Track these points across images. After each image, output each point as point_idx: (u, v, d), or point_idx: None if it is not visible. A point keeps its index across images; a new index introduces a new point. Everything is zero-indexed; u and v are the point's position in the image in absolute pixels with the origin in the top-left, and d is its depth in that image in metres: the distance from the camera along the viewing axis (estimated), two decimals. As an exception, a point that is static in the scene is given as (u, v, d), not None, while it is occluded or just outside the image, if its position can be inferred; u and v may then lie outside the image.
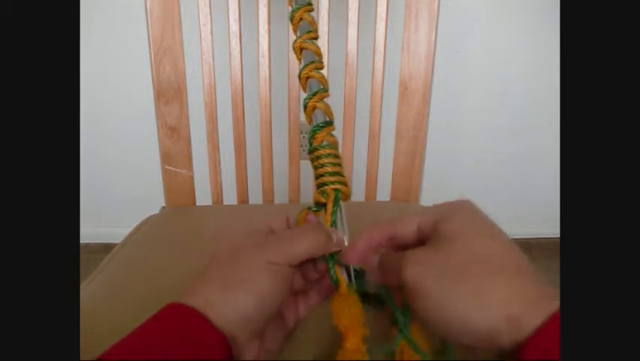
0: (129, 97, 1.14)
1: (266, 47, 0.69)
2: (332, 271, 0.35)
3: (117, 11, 1.07)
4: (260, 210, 0.72)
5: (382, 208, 0.72)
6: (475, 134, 1.20)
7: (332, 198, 0.37)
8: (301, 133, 0.87)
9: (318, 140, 0.39)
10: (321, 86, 0.40)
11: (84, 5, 1.00)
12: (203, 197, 0.74)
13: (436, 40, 0.68)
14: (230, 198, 0.75)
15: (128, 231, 0.65)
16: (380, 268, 0.33)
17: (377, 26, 0.69)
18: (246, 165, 0.73)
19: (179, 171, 0.72)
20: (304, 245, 0.33)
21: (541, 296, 0.26)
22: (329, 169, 0.38)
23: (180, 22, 0.67)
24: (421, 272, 0.28)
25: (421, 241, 0.32)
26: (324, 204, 0.37)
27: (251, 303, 0.30)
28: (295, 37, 0.42)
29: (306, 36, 0.41)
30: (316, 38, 0.42)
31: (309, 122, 0.40)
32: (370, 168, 0.73)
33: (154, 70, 0.68)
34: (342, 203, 0.38)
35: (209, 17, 0.68)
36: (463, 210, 0.32)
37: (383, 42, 0.69)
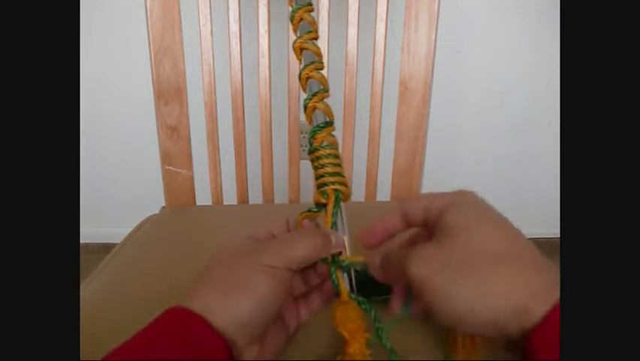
0: (129, 97, 1.14)
1: (266, 47, 0.69)
2: (333, 276, 0.35)
3: (117, 11, 1.07)
4: (260, 210, 0.72)
5: (382, 208, 0.72)
6: (475, 134, 1.20)
7: (332, 198, 0.37)
8: (301, 133, 0.87)
9: (318, 140, 0.39)
10: (322, 87, 0.40)
11: (84, 5, 1.00)
12: (203, 197, 0.74)
13: (436, 40, 0.68)
14: (230, 198, 0.75)
15: (128, 231, 0.65)
16: (382, 267, 0.34)
17: (377, 26, 0.69)
18: (246, 165, 0.73)
19: (179, 171, 0.72)
20: (302, 249, 0.33)
21: (546, 284, 0.26)
22: (329, 169, 0.38)
23: (180, 22, 0.67)
24: (426, 268, 0.29)
25: (427, 223, 0.33)
26: (325, 205, 0.37)
27: (251, 308, 0.31)
28: (295, 38, 0.42)
29: (306, 36, 0.41)
30: (316, 38, 0.42)
31: (310, 123, 0.40)
32: (370, 168, 0.73)
33: (154, 70, 0.68)
34: (342, 203, 0.38)
35: (209, 17, 0.68)
36: (466, 201, 0.32)
37: (383, 42, 0.69)
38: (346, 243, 0.36)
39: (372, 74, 0.70)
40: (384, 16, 0.68)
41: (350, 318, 0.33)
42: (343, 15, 0.69)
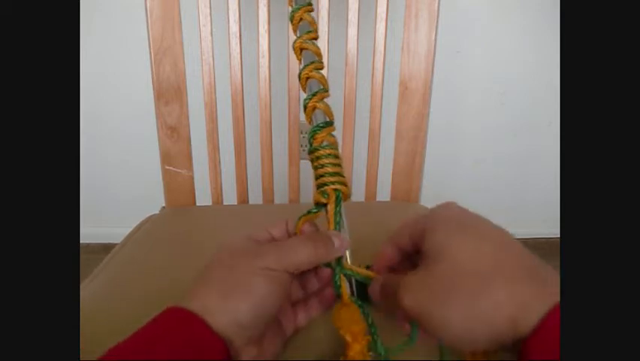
0: (129, 97, 1.14)
1: (266, 47, 0.69)
2: (337, 277, 0.35)
3: (117, 11, 1.07)
4: (260, 210, 0.72)
5: (382, 208, 0.72)
6: (475, 134, 1.20)
7: (333, 198, 0.37)
8: (301, 133, 0.87)
9: (318, 140, 0.39)
10: (321, 87, 0.40)
11: (84, 5, 1.00)
12: (203, 197, 0.74)
13: (436, 40, 0.68)
14: (230, 198, 0.75)
15: (128, 231, 0.65)
16: (382, 295, 0.34)
17: (377, 26, 0.69)
18: (246, 165, 0.73)
19: (179, 171, 0.72)
20: (304, 254, 0.33)
21: (538, 292, 0.27)
22: (329, 169, 0.38)
23: (180, 22, 0.67)
24: (416, 297, 0.29)
25: (417, 248, 0.33)
26: (325, 205, 0.37)
27: (249, 310, 0.31)
28: (295, 38, 0.42)
29: (306, 36, 0.41)
30: (316, 38, 0.42)
31: (309, 123, 0.40)
32: (370, 168, 0.73)
33: (154, 70, 0.68)
34: (342, 203, 0.38)
35: (209, 18, 0.68)
36: (447, 216, 0.32)
37: (383, 42, 0.69)
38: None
39: (372, 74, 0.70)
40: (384, 16, 0.68)
41: (352, 320, 0.33)
42: (343, 15, 0.69)
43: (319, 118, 0.40)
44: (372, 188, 0.74)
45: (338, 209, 0.37)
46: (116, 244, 0.61)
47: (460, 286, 0.28)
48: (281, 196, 0.79)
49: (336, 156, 0.38)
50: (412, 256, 0.35)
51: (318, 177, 0.38)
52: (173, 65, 0.68)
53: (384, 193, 0.75)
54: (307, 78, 0.41)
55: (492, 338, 0.27)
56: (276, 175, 0.74)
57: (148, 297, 0.46)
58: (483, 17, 1.07)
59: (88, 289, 0.51)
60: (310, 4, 0.43)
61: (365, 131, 0.72)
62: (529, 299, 0.26)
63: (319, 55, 0.41)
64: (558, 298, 0.25)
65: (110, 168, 1.25)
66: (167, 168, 0.71)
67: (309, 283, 0.37)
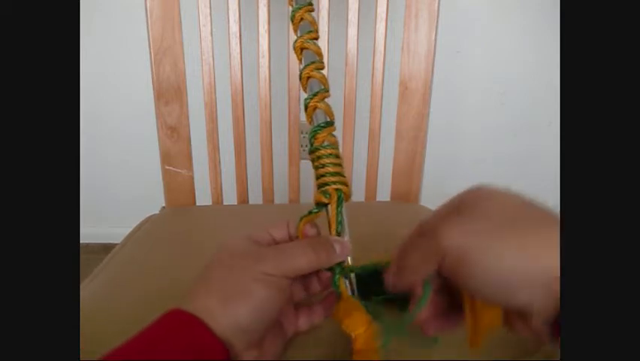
0: (129, 97, 1.14)
1: (266, 47, 0.69)
2: (336, 277, 0.35)
3: (117, 11, 1.07)
4: (260, 210, 0.72)
5: (382, 208, 0.72)
6: (475, 134, 1.20)
7: (335, 198, 0.37)
8: (301, 133, 0.87)
9: (319, 140, 0.39)
10: (322, 87, 0.40)
11: (84, 5, 1.00)
12: (203, 197, 0.74)
13: (436, 40, 0.68)
14: (230, 198, 0.75)
15: (128, 231, 0.65)
16: (399, 267, 0.32)
17: (377, 26, 0.69)
18: (246, 165, 0.73)
19: (179, 171, 0.72)
20: (304, 261, 0.33)
21: None
22: (330, 169, 0.38)
23: (180, 22, 0.67)
24: (462, 235, 0.27)
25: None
26: (326, 205, 0.37)
27: (249, 314, 0.31)
28: (296, 37, 0.42)
29: (307, 36, 0.41)
30: (317, 38, 0.42)
31: (310, 123, 0.40)
32: (370, 168, 0.73)
33: (154, 70, 0.68)
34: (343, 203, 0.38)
35: (209, 18, 0.68)
36: (475, 188, 0.31)
37: (383, 42, 0.69)
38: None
39: (372, 74, 0.70)
40: (384, 16, 0.68)
41: (353, 312, 0.33)
42: (343, 15, 0.69)
43: (320, 118, 0.40)
44: (372, 188, 0.74)
45: (340, 209, 0.37)
46: (116, 244, 0.61)
47: (513, 225, 0.27)
48: (281, 196, 0.79)
49: (337, 156, 0.38)
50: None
51: (319, 176, 0.38)
52: (173, 65, 0.68)
53: (384, 193, 0.75)
54: (308, 78, 0.41)
55: (531, 293, 0.25)
56: (276, 175, 0.74)
57: (148, 297, 0.46)
58: (483, 17, 1.07)
59: (88, 289, 0.51)
60: (311, 4, 0.43)
61: (365, 131, 0.72)
62: None
63: (320, 55, 0.41)
64: None
65: (110, 168, 1.25)
66: (167, 168, 0.71)
67: (312, 285, 0.37)
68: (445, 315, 0.32)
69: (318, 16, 0.68)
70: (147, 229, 0.64)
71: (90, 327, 0.41)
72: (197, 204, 0.73)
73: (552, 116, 1.17)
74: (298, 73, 0.41)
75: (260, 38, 0.69)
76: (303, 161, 0.71)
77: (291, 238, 0.37)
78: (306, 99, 0.40)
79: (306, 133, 0.40)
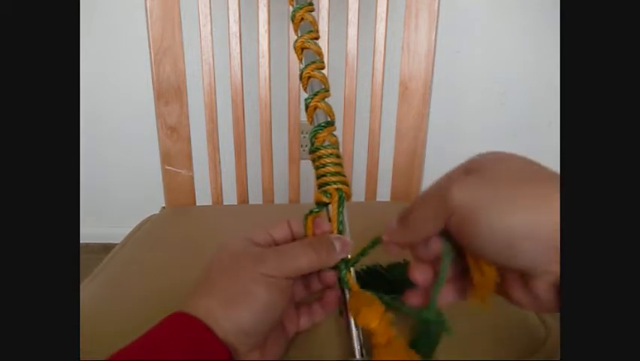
0: (129, 97, 1.14)
1: (266, 47, 0.69)
2: (343, 273, 0.35)
3: (117, 11, 1.07)
4: (260, 210, 0.72)
5: (382, 208, 0.72)
6: (475, 134, 1.20)
7: (336, 198, 0.37)
8: (301, 133, 0.87)
9: (319, 140, 0.39)
10: (323, 86, 0.40)
11: (84, 5, 1.00)
12: (203, 197, 0.74)
13: (436, 40, 0.68)
14: (230, 198, 0.75)
15: (128, 231, 0.65)
16: (402, 223, 0.31)
17: (377, 26, 0.69)
18: (246, 165, 0.73)
19: (179, 171, 0.72)
20: (305, 261, 0.33)
21: None
22: (331, 169, 0.38)
23: (180, 22, 0.67)
24: (470, 194, 0.27)
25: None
26: (326, 204, 0.37)
27: (251, 317, 0.31)
28: (296, 37, 0.42)
29: (307, 36, 0.41)
30: (317, 38, 0.42)
31: (311, 122, 0.40)
32: (370, 168, 0.73)
33: (154, 70, 0.68)
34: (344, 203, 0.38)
35: (209, 18, 0.68)
36: (486, 152, 0.31)
37: (383, 42, 0.69)
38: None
39: (372, 74, 0.70)
40: (384, 16, 0.68)
41: (366, 308, 0.33)
42: (343, 15, 0.69)
43: (320, 118, 0.40)
44: (372, 188, 0.74)
45: (341, 209, 0.37)
46: (116, 244, 0.61)
47: (520, 182, 0.27)
48: (281, 196, 0.79)
49: (338, 156, 0.39)
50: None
51: (319, 176, 0.38)
52: (173, 65, 0.68)
53: (384, 193, 0.75)
54: (309, 78, 0.41)
55: (536, 253, 0.25)
56: (276, 175, 0.74)
57: (148, 297, 0.46)
58: (483, 17, 1.07)
59: (88, 289, 0.51)
60: (311, 4, 0.43)
61: (365, 131, 0.72)
62: None
63: (320, 54, 0.41)
64: None
65: (110, 168, 1.25)
66: (167, 168, 0.71)
67: (313, 284, 0.37)
68: (455, 284, 0.32)
69: (318, 16, 0.68)
70: (147, 229, 0.64)
71: (90, 327, 0.41)
72: (197, 204, 0.73)
73: (552, 116, 1.17)
74: (298, 73, 0.41)
75: (260, 38, 0.69)
76: (303, 161, 0.71)
77: (293, 237, 0.37)
78: (306, 99, 0.40)
79: (306, 133, 0.40)
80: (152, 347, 0.29)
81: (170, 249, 0.58)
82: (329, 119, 0.40)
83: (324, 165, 0.38)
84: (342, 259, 0.35)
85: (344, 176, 0.38)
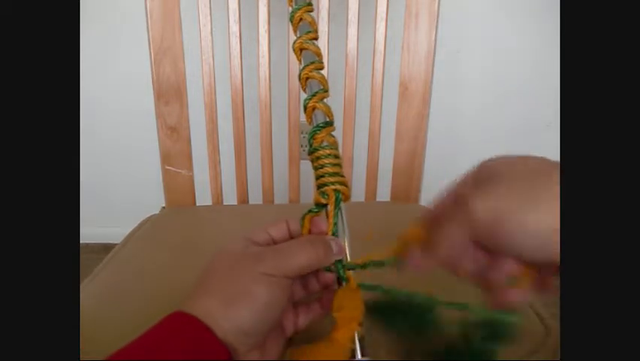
0: (129, 97, 1.14)
1: (266, 47, 0.69)
2: (341, 271, 0.35)
3: (117, 11, 1.07)
4: (260, 210, 0.72)
5: (382, 208, 0.72)
6: (475, 135, 1.20)
7: (332, 199, 0.37)
8: (301, 133, 0.87)
9: (318, 140, 0.39)
10: (322, 87, 0.40)
11: (84, 5, 1.00)
12: (203, 197, 0.74)
13: (436, 40, 0.68)
14: (230, 198, 0.75)
15: (128, 231, 0.65)
16: (427, 245, 0.32)
17: (377, 26, 0.69)
18: (245, 165, 0.73)
19: (179, 171, 0.72)
20: (303, 258, 0.33)
21: None
22: (329, 169, 0.38)
23: (180, 22, 0.67)
24: (495, 199, 0.28)
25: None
26: (325, 205, 0.37)
27: (252, 317, 0.31)
28: (295, 38, 0.42)
29: (306, 36, 0.41)
30: (316, 39, 0.42)
31: (310, 123, 0.40)
32: (370, 169, 0.73)
33: (154, 70, 0.68)
34: (342, 204, 0.37)
35: (209, 18, 0.68)
36: (489, 159, 0.32)
37: (383, 42, 0.69)
38: (346, 246, 0.36)
39: (372, 75, 0.70)
40: (384, 16, 0.68)
41: (347, 305, 0.33)
42: (343, 15, 0.69)
43: (319, 118, 0.40)
44: (372, 188, 0.74)
45: (337, 210, 0.37)
46: (116, 244, 0.61)
47: (539, 180, 0.28)
48: (281, 196, 0.79)
49: (336, 156, 0.38)
50: None
51: (318, 177, 0.38)
52: (173, 65, 0.68)
53: (384, 193, 0.75)
54: (307, 78, 0.41)
55: None
56: (276, 175, 0.74)
57: (148, 297, 0.46)
58: (483, 18, 1.07)
59: (88, 289, 0.51)
60: (310, 4, 0.43)
61: (365, 131, 0.72)
62: None
63: (319, 55, 0.41)
64: None
65: (110, 168, 1.25)
66: (167, 168, 0.71)
67: (311, 284, 0.37)
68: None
69: (317, 17, 0.68)
70: (147, 229, 0.64)
71: (90, 327, 0.41)
72: (197, 204, 0.73)
73: (552, 117, 1.17)
74: (298, 73, 0.41)
75: (260, 38, 0.69)
76: (303, 161, 0.71)
77: (291, 236, 0.37)
78: (305, 99, 0.40)
79: (306, 133, 0.40)
80: (151, 346, 0.29)
81: (170, 249, 0.58)
82: (327, 120, 0.40)
83: (322, 166, 0.38)
84: (338, 261, 0.35)
85: (342, 176, 0.38)
